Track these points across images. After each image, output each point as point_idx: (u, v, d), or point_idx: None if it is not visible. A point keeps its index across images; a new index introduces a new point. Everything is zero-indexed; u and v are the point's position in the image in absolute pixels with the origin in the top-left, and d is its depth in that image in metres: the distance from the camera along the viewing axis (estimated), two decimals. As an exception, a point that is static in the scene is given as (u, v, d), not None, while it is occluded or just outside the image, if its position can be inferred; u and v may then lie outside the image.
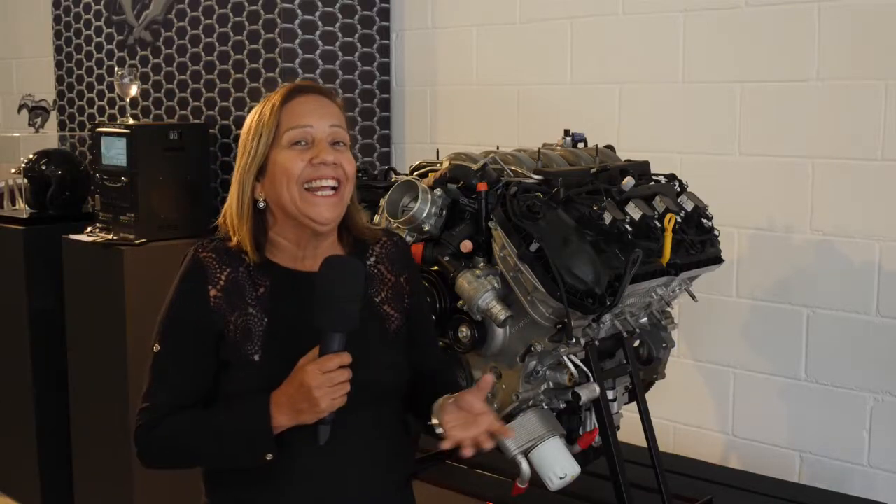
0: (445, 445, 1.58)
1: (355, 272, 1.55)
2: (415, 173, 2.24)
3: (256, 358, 1.60)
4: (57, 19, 4.31)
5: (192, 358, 1.62)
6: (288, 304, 1.63)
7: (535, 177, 2.09)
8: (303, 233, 1.65)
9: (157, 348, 1.64)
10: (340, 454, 1.62)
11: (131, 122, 3.44)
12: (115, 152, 3.35)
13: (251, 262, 1.64)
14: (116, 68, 3.89)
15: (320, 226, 1.63)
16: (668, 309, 2.34)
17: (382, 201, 2.16)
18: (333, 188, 1.62)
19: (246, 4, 3.40)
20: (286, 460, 1.59)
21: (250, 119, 1.66)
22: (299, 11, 3.33)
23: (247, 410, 1.56)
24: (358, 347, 1.56)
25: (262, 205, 1.64)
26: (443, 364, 1.89)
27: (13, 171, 3.88)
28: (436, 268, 2.05)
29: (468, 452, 1.58)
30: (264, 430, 1.54)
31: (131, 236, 3.30)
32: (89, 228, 3.48)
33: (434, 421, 1.61)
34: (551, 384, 2.07)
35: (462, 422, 1.57)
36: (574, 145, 2.39)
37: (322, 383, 1.49)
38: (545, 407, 2.07)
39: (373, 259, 1.75)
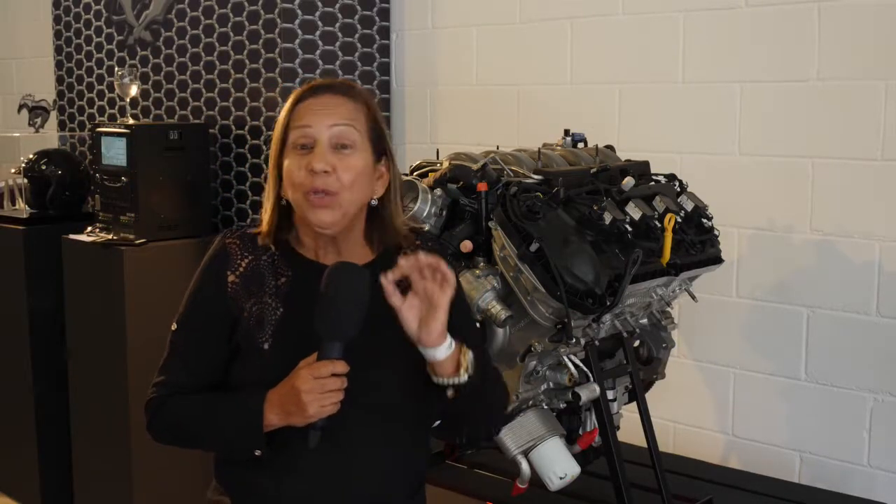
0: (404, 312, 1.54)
1: (359, 281, 1.52)
2: (415, 173, 2.24)
3: (266, 346, 1.61)
4: (57, 19, 4.31)
5: (206, 340, 1.65)
6: (306, 297, 1.60)
7: (535, 177, 2.09)
8: (317, 232, 1.65)
9: (174, 326, 1.69)
10: (348, 455, 1.61)
11: (131, 122, 3.44)
12: (115, 152, 3.35)
13: (276, 252, 1.66)
14: (116, 68, 3.89)
15: (321, 229, 1.62)
16: (668, 309, 2.34)
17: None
18: (328, 193, 1.58)
19: (246, 4, 3.40)
20: (294, 454, 1.59)
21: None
22: (299, 11, 3.33)
23: (242, 404, 1.58)
24: (373, 352, 1.56)
25: (284, 202, 1.65)
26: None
27: (13, 171, 3.88)
28: (436, 268, 2.05)
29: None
30: (255, 427, 1.55)
31: (131, 236, 3.30)
32: (89, 228, 3.48)
33: (439, 375, 1.57)
34: (551, 384, 2.07)
35: (424, 321, 1.53)
36: (574, 145, 2.39)
37: (312, 388, 1.49)
38: (545, 407, 2.07)
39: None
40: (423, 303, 1.53)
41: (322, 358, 1.51)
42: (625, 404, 2.25)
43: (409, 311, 1.53)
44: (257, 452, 1.58)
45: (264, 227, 1.66)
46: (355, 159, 1.61)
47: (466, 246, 2.03)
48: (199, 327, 1.66)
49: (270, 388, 1.56)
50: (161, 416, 1.66)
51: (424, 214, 2.06)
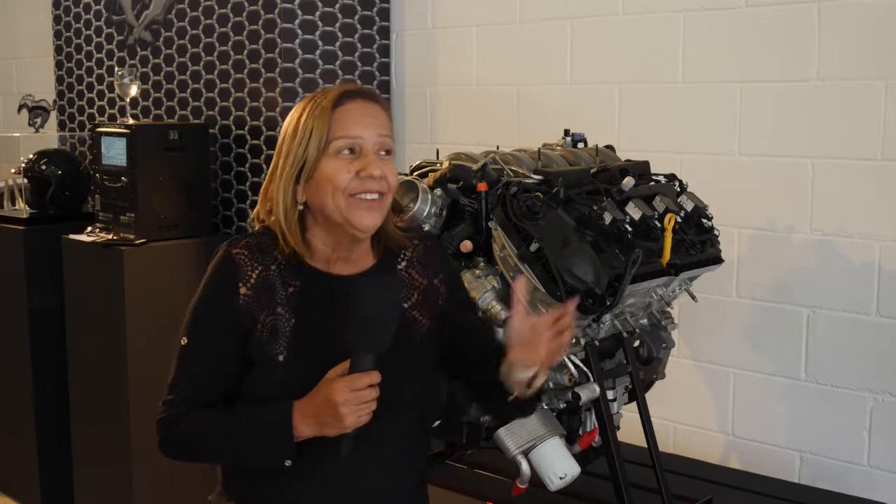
0: (539, 381, 1.62)
1: (396, 293, 1.54)
2: (415, 173, 2.24)
3: (281, 358, 1.60)
4: (57, 19, 4.31)
5: (219, 354, 1.63)
6: (316, 306, 1.62)
7: (535, 177, 2.09)
8: (341, 237, 1.65)
9: (184, 341, 1.65)
10: (356, 458, 1.61)
11: (131, 122, 3.44)
12: (115, 152, 3.35)
13: (283, 261, 1.64)
14: (116, 68, 3.89)
15: (361, 232, 1.63)
16: (668, 309, 2.34)
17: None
18: (378, 196, 1.62)
19: (246, 4, 3.40)
20: (304, 462, 1.59)
21: (293, 120, 1.64)
22: (299, 11, 3.33)
23: (270, 416, 1.57)
24: (389, 354, 1.55)
25: (301, 207, 1.64)
26: (487, 340, 1.84)
27: (13, 171, 3.88)
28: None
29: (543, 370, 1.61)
30: (286, 438, 1.55)
31: (131, 236, 3.30)
32: (89, 228, 3.48)
33: (512, 384, 1.64)
34: (551, 384, 2.07)
35: (527, 349, 1.59)
36: (574, 145, 2.39)
37: (349, 400, 1.50)
38: (545, 407, 2.07)
39: (404, 263, 1.74)
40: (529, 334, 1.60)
41: (356, 369, 1.51)
42: (625, 404, 2.25)
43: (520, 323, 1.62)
44: (287, 463, 1.57)
45: (291, 238, 1.63)
46: (393, 164, 1.66)
47: (466, 246, 2.04)
48: (211, 342, 1.64)
49: (288, 399, 1.56)
50: (175, 434, 1.63)
51: (424, 214, 2.06)
